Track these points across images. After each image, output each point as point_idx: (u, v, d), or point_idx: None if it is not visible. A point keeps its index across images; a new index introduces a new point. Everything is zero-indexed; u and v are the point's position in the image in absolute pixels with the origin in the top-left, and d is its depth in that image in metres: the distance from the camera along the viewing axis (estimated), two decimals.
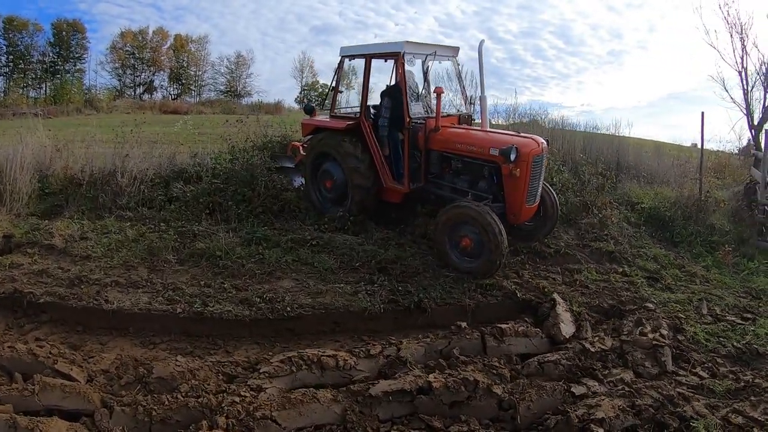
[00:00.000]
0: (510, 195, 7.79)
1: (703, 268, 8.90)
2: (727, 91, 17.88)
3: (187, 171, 10.60)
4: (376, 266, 7.72)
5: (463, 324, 6.17)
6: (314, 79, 60.50)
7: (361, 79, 9.80)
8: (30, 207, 9.43)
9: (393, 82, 9.42)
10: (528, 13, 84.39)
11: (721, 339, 6.42)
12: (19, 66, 49.78)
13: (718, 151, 17.20)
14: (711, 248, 9.71)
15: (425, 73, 9.28)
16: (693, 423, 4.58)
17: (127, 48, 55.12)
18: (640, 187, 12.41)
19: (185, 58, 58.16)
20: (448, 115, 9.18)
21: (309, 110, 10.39)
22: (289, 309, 6.46)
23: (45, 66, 51.11)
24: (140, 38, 55.70)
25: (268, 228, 8.85)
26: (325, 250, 8.14)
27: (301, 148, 10.76)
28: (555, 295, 7.01)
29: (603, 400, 4.93)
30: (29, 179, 9.66)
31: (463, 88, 9.76)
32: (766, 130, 11.10)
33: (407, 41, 8.50)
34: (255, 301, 6.56)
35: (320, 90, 53.24)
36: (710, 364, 5.84)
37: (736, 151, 17.90)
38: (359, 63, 9.46)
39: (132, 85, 56.59)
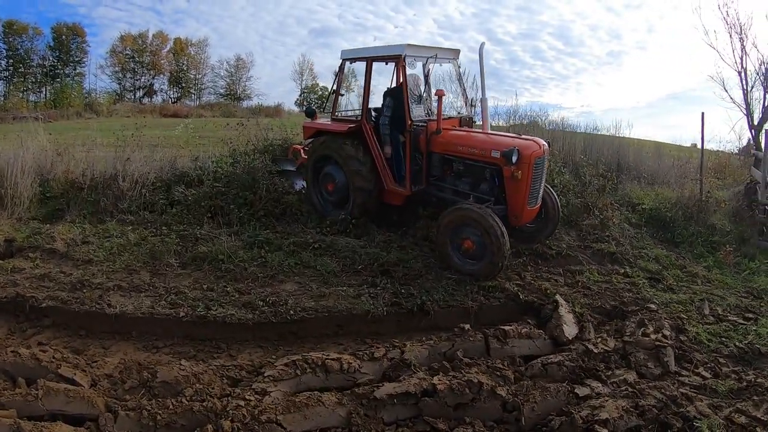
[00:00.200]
0: (512, 197, 7.80)
1: (705, 269, 8.91)
2: (726, 91, 17.91)
3: (188, 174, 10.62)
4: (378, 269, 7.71)
5: (467, 326, 6.18)
6: (314, 82, 60.77)
7: (361, 82, 9.84)
8: (31, 211, 9.45)
9: (395, 85, 9.43)
10: (527, 15, 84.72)
11: (724, 339, 6.43)
12: (19, 70, 49.94)
13: (718, 151, 17.22)
14: (712, 248, 9.72)
15: (426, 76, 9.29)
16: (696, 423, 4.58)
17: (127, 52, 55.29)
18: (641, 188, 12.43)
19: (185, 62, 58.34)
20: (449, 118, 9.19)
21: (310, 113, 10.39)
22: (292, 312, 6.44)
23: (45, 70, 51.27)
24: (140, 42, 55.89)
25: (270, 231, 8.85)
26: (328, 253, 8.13)
27: (302, 151, 10.78)
28: (557, 297, 7.01)
29: (607, 401, 4.94)
30: (30, 183, 9.68)
31: (464, 90, 9.76)
32: (766, 130, 11.11)
33: (408, 44, 8.52)
34: (258, 305, 6.55)
35: (320, 93, 53.46)
36: (713, 364, 5.84)
37: (736, 151, 17.91)
38: (359, 66, 9.49)
39: (132, 88, 56.81)
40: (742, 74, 17.18)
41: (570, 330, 6.37)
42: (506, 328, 6.13)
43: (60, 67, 52.34)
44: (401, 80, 8.63)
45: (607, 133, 16.30)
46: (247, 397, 4.72)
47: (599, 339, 6.22)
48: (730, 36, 17.24)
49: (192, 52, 59.09)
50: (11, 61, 49.76)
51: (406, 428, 4.72)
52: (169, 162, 11.16)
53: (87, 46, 54.30)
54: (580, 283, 7.82)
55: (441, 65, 9.60)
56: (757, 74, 17.16)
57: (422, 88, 9.21)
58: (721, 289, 8.12)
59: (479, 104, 9.13)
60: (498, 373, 5.32)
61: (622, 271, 8.40)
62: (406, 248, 8.41)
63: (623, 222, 10.34)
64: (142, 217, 9.26)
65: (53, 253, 7.81)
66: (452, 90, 9.96)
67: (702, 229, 10.27)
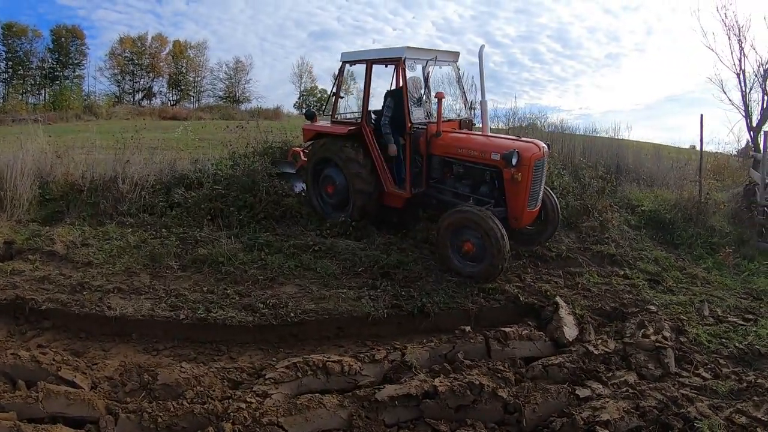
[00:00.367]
0: (511, 199, 7.80)
1: (704, 270, 8.92)
2: (725, 93, 17.92)
3: (188, 177, 10.62)
4: (378, 271, 7.71)
5: (467, 328, 6.19)
6: (313, 85, 60.76)
7: (360, 85, 9.84)
8: (31, 213, 9.45)
9: (394, 87, 9.44)
10: (525, 17, 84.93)
11: (723, 340, 6.43)
12: (19, 72, 49.97)
13: (717, 153, 17.25)
14: (711, 250, 9.73)
15: (426, 79, 9.30)
16: (697, 424, 4.59)
17: (126, 54, 55.30)
18: (640, 190, 12.45)
19: (184, 64, 58.39)
20: (449, 120, 9.19)
21: (310, 116, 10.40)
22: (292, 315, 6.44)
23: (44, 72, 51.28)
24: (139, 44, 55.91)
25: (270, 234, 8.84)
26: (328, 256, 8.13)
27: (301, 153, 10.79)
28: (557, 299, 7.02)
29: (607, 402, 4.95)
30: (30, 185, 9.67)
31: (464, 92, 9.78)
32: (764, 131, 11.10)
33: (408, 47, 8.53)
34: (258, 307, 6.55)
35: (319, 95, 53.48)
36: (713, 365, 5.85)
37: (735, 153, 17.95)
38: (358, 68, 9.50)
39: (131, 91, 56.83)
40: (741, 76, 17.21)
41: (570, 332, 6.38)
42: (507, 329, 6.14)
43: (59, 69, 52.35)
44: (401, 83, 8.63)
45: (606, 136, 16.37)
46: (248, 399, 4.72)
47: (599, 340, 6.23)
48: (729, 38, 17.27)
49: (191, 55, 59.15)
50: (10, 63, 49.78)
51: (408, 430, 4.72)
52: (169, 164, 11.17)
53: (86, 48, 54.38)
54: (580, 285, 7.83)
55: (441, 68, 9.59)
56: (756, 76, 17.18)
57: (422, 90, 9.22)
58: (720, 290, 8.13)
59: (479, 107, 9.13)
60: (499, 374, 5.33)
61: (622, 272, 8.41)
62: (406, 250, 8.41)
63: (623, 224, 10.35)
64: (141, 220, 9.25)
65: (53, 256, 7.80)
66: (452, 92, 9.97)
67: (701, 231, 10.28)
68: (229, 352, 6.09)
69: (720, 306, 7.48)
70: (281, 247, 8.28)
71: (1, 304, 6.44)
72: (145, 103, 53.94)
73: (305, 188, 10.30)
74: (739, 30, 16.82)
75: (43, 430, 4.18)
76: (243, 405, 4.59)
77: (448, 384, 4.98)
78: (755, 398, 5.08)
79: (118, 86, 56.02)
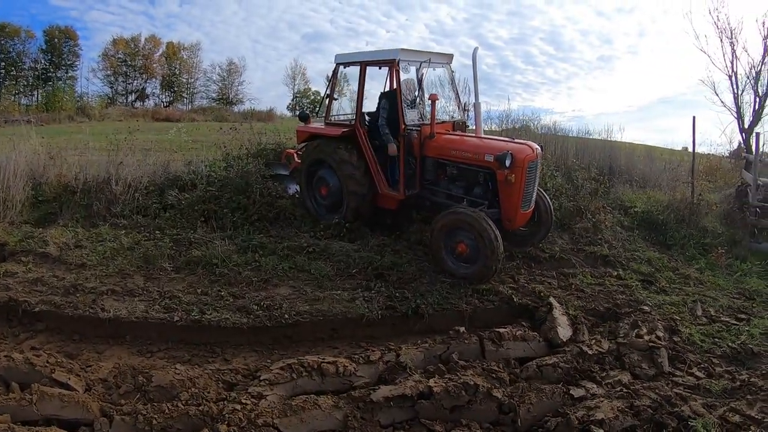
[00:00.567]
0: (505, 201, 7.82)
1: (697, 270, 8.97)
2: (717, 95, 18.04)
3: (181, 178, 10.59)
4: (372, 273, 7.72)
5: (461, 329, 6.20)
6: (306, 87, 60.81)
7: (353, 87, 9.83)
8: (24, 215, 9.39)
9: (388, 89, 9.45)
10: (518, 20, 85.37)
11: (717, 340, 6.48)
12: (11, 73, 49.78)
13: (709, 154, 17.34)
14: (704, 250, 9.79)
15: (419, 81, 9.31)
16: (691, 422, 4.61)
17: (119, 55, 55.20)
18: (633, 191, 12.50)
19: (177, 66, 58.31)
20: (443, 122, 9.20)
21: (303, 117, 10.38)
22: (286, 316, 6.45)
23: (37, 73, 51.19)
24: (132, 46, 55.86)
25: (263, 235, 8.83)
26: (322, 257, 8.13)
27: (295, 155, 10.79)
28: (551, 299, 7.04)
29: (602, 401, 4.97)
30: (23, 187, 9.62)
31: (457, 94, 9.80)
32: (756, 133, 11.20)
33: (402, 49, 8.54)
34: (252, 309, 6.55)
35: (312, 97, 53.51)
36: (706, 365, 5.89)
37: (727, 155, 18.03)
38: (352, 70, 9.50)
39: (124, 92, 56.72)
40: (733, 78, 17.33)
41: (564, 332, 6.40)
42: (501, 330, 6.15)
43: (52, 70, 52.28)
44: (395, 85, 8.65)
45: (599, 137, 16.43)
46: (243, 401, 4.72)
47: (593, 341, 6.26)
48: (721, 40, 17.39)
49: (184, 57, 59.13)
50: (3, 63, 49.66)
51: (403, 431, 4.74)
52: (162, 166, 11.14)
53: (79, 49, 54.37)
54: (573, 286, 7.85)
55: (434, 70, 9.61)
56: (748, 78, 17.28)
57: (416, 92, 9.23)
58: (713, 290, 8.18)
59: (472, 108, 9.14)
60: (493, 375, 5.34)
61: (615, 273, 8.45)
62: (400, 252, 8.40)
63: (616, 225, 10.39)
64: (135, 221, 9.23)
65: (46, 258, 7.76)
66: (445, 94, 9.99)
67: (694, 232, 10.33)
68: (224, 354, 6.08)
69: (713, 306, 7.53)
70: (275, 249, 8.28)
71: None
72: (138, 104, 53.93)
73: (299, 190, 10.30)
74: (731, 32, 16.94)
75: None
76: (238, 406, 4.59)
77: (443, 384, 4.99)
78: (749, 397, 5.13)
79: (111, 87, 56.05)
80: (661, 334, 6.34)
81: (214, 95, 59.36)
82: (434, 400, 4.86)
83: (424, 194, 8.81)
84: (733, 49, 16.81)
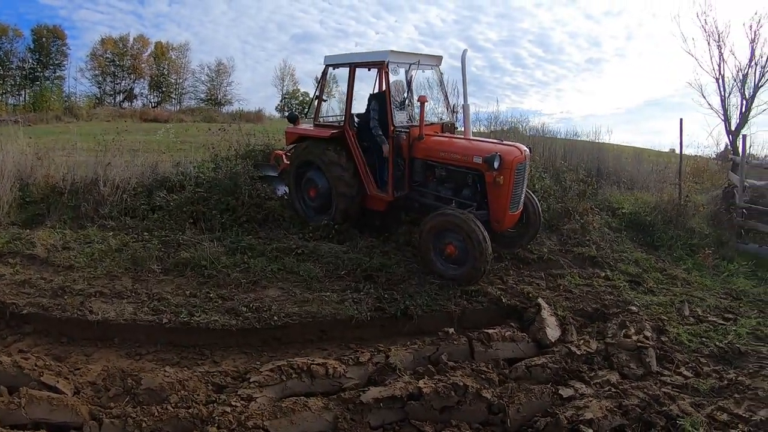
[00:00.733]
0: (493, 202, 7.86)
1: (684, 271, 9.06)
2: (704, 97, 18.16)
3: (170, 180, 10.54)
4: (361, 274, 7.72)
5: (451, 330, 6.23)
6: (295, 88, 60.67)
7: (342, 88, 9.83)
8: (11, 216, 9.33)
9: (377, 91, 9.47)
10: (507, 22, 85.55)
11: (704, 339, 6.55)
12: None
13: (696, 156, 17.48)
14: (691, 251, 9.88)
15: (408, 82, 9.33)
16: (679, 421, 4.67)
17: (108, 55, 54.84)
18: (621, 193, 12.59)
19: (166, 66, 58.00)
20: (431, 124, 9.24)
21: (292, 119, 10.36)
22: (276, 318, 6.44)
23: (24, 72, 50.72)
24: (121, 45, 55.49)
25: (252, 237, 8.82)
26: (311, 259, 8.13)
27: (284, 156, 10.76)
28: (540, 300, 7.07)
29: (591, 401, 5.01)
30: (10, 188, 9.55)
31: (446, 96, 9.83)
32: (743, 135, 11.32)
33: (391, 51, 8.55)
34: (242, 311, 6.53)
35: (301, 98, 53.41)
36: (694, 364, 5.96)
37: (714, 156, 18.17)
38: (341, 71, 9.50)
39: (112, 92, 56.34)
40: (720, 81, 17.45)
41: (553, 333, 6.44)
42: (490, 331, 6.18)
43: (40, 69, 51.85)
44: (384, 87, 8.65)
45: (587, 139, 16.51)
46: (233, 403, 4.71)
47: (582, 341, 6.30)
48: (708, 43, 17.51)
49: (173, 57, 58.84)
50: None
51: None
52: (151, 167, 11.07)
53: (67, 49, 53.90)
54: (561, 287, 7.90)
55: (423, 71, 9.64)
56: (735, 81, 17.42)
57: (405, 94, 9.24)
58: (700, 290, 8.27)
59: (461, 110, 9.17)
60: (483, 375, 5.37)
61: (603, 274, 8.51)
62: (388, 253, 8.42)
63: (603, 226, 10.45)
64: (123, 223, 9.19)
65: (33, 259, 7.73)
66: (434, 96, 10.02)
67: (681, 233, 10.42)
68: (213, 356, 6.06)
69: (700, 306, 7.61)
70: (264, 251, 8.27)
71: None
72: (126, 104, 53.59)
73: (288, 191, 10.29)
74: (719, 36, 17.07)
75: None
76: (228, 409, 4.58)
77: (433, 385, 5.00)
78: (736, 395, 5.20)
79: (99, 87, 55.65)
80: (649, 334, 6.40)
81: (202, 96, 59.15)
82: (424, 401, 4.87)
83: (413, 196, 8.82)
84: (720, 52, 16.95)
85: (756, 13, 15.74)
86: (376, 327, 6.71)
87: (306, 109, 10.98)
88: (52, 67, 52.88)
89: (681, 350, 6.26)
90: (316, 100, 9.89)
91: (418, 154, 8.55)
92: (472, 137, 9.06)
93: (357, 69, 9.17)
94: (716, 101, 17.74)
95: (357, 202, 9.11)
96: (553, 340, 6.31)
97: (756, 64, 16.45)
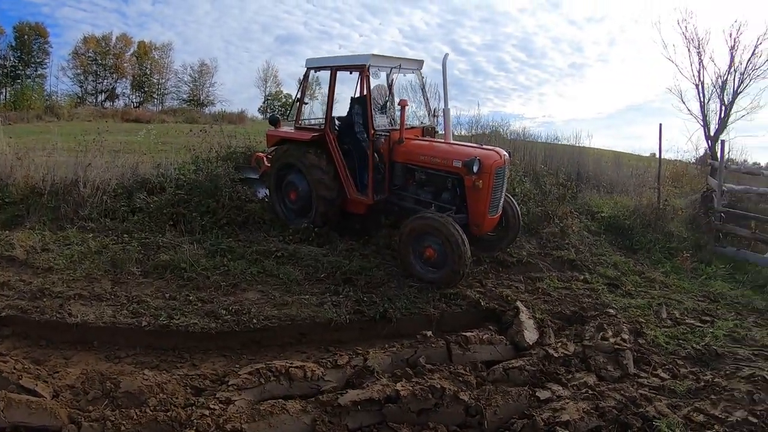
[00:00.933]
0: (473, 206, 7.91)
1: (662, 274, 9.18)
2: (684, 103, 18.28)
3: (150, 181, 10.46)
4: (341, 277, 7.73)
5: (429, 333, 6.28)
6: (278, 89, 60.53)
7: (324, 90, 9.83)
8: None
9: (359, 94, 9.50)
10: (491, 26, 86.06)
11: (681, 341, 6.65)
12: None
13: (675, 160, 17.66)
14: (669, 254, 10.02)
15: (390, 86, 9.36)
16: (656, 422, 4.74)
17: (90, 54, 54.37)
18: (600, 197, 12.73)
19: (148, 66, 57.64)
20: (412, 127, 9.29)
21: (274, 121, 10.35)
22: (255, 321, 6.43)
23: (5, 70, 50.14)
24: (103, 44, 55.07)
25: (232, 239, 8.80)
26: (290, 262, 8.12)
27: (265, 159, 10.77)
28: (518, 303, 7.14)
29: (567, 403, 5.07)
30: None
31: (427, 100, 9.87)
32: (722, 140, 11.46)
33: (373, 54, 8.58)
34: (221, 314, 6.51)
35: (284, 100, 53.32)
36: (671, 366, 6.04)
37: (693, 161, 18.36)
38: (323, 74, 9.51)
39: (94, 92, 55.84)
40: (700, 87, 17.58)
41: (531, 335, 6.50)
42: (468, 334, 6.24)
43: (21, 67, 51.28)
44: (365, 90, 8.68)
45: (568, 143, 16.64)
46: (211, 406, 4.71)
47: (559, 344, 6.37)
48: (689, 50, 17.62)
49: (155, 56, 58.50)
50: None
51: None
52: (131, 168, 10.99)
53: (49, 47, 53.39)
54: (540, 290, 7.99)
55: (405, 75, 9.69)
56: (714, 87, 17.60)
57: (386, 97, 9.28)
58: (678, 293, 8.39)
59: (442, 114, 9.22)
60: (460, 378, 5.41)
61: (582, 277, 8.60)
62: (368, 256, 8.46)
63: (582, 230, 10.56)
64: (103, 225, 9.11)
65: (12, 261, 7.65)
66: (415, 100, 10.07)
67: (659, 236, 10.56)
68: (192, 359, 6.03)
69: (678, 308, 7.73)
70: (244, 253, 8.26)
71: None
72: (107, 104, 53.17)
73: (268, 194, 10.29)
74: (699, 42, 17.19)
75: None
76: (206, 412, 4.58)
77: (410, 388, 5.03)
78: (712, 397, 5.29)
79: (81, 87, 55.18)
80: (626, 336, 6.48)
81: (185, 96, 58.87)
82: (401, 404, 4.90)
83: (393, 199, 8.87)
84: (700, 58, 17.08)
85: (736, 21, 15.87)
86: (355, 330, 6.72)
87: (288, 112, 10.95)
88: (33, 65, 52.39)
89: (658, 352, 6.35)
90: (298, 103, 9.89)
91: (399, 158, 8.59)
92: (452, 141, 9.12)
93: (338, 72, 9.19)
94: (696, 107, 17.87)
95: (337, 205, 9.13)
96: (530, 343, 6.37)
97: (735, 71, 16.64)
